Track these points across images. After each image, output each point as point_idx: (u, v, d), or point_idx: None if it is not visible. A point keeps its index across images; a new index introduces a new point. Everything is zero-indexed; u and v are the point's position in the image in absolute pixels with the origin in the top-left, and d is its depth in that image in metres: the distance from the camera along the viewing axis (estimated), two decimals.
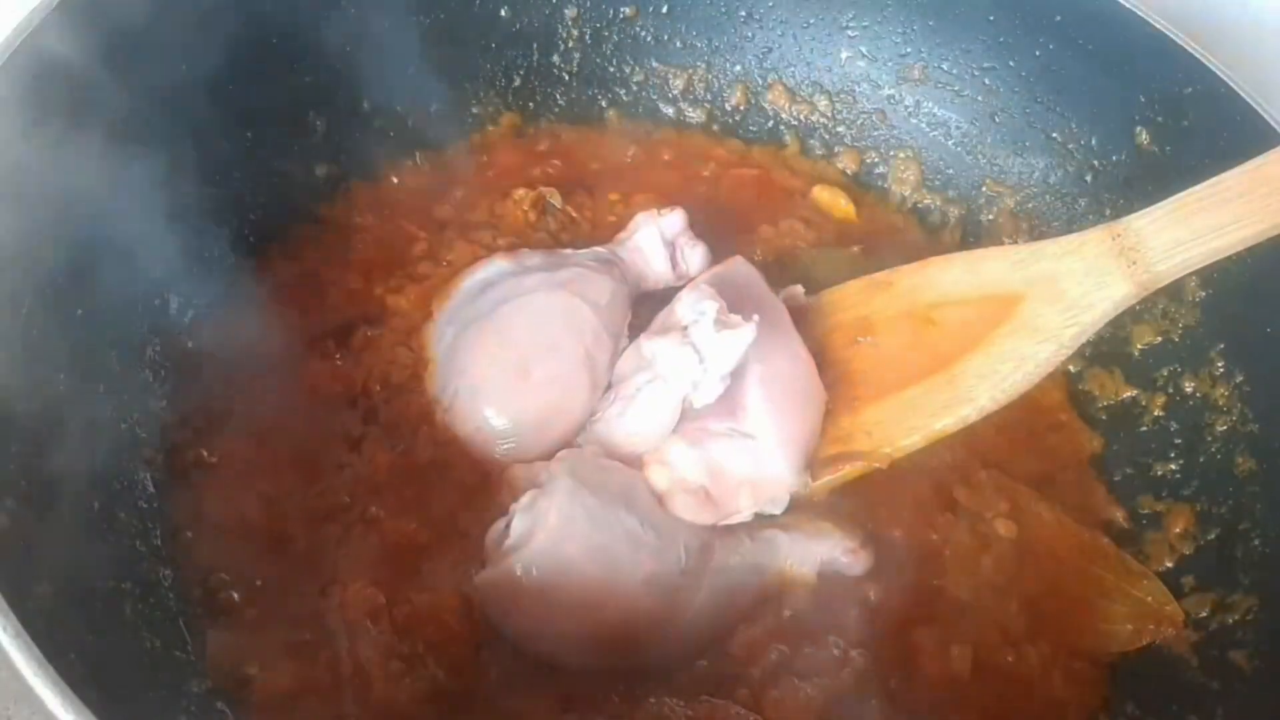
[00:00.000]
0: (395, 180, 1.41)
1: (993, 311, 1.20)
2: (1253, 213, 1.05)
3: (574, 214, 1.40)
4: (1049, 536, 1.22)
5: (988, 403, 1.18)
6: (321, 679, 1.01)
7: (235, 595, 1.05)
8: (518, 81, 1.49)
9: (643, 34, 1.52)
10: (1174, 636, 1.15)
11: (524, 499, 1.07)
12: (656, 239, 1.26)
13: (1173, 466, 1.26)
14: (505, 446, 1.14)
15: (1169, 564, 1.21)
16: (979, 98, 1.44)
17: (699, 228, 1.29)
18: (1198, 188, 1.08)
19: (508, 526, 1.06)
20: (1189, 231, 1.08)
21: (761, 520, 1.13)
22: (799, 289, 1.28)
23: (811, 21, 1.49)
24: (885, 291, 1.26)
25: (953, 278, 1.24)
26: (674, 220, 1.27)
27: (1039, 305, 1.17)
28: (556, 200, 1.39)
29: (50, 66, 1.03)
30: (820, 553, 1.12)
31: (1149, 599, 1.18)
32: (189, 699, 0.96)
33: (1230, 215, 1.06)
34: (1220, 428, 1.22)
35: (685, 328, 1.08)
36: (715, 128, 1.56)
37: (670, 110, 1.56)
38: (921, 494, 1.20)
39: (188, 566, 1.06)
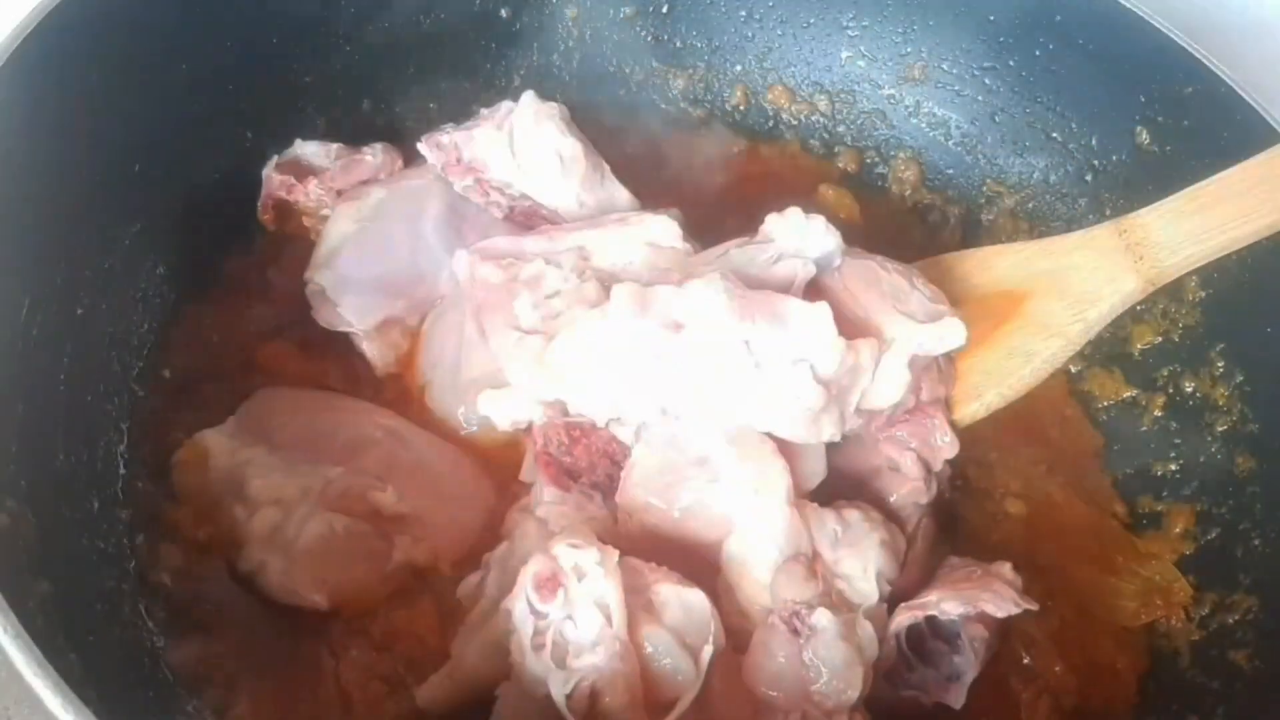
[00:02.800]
0: None
1: (1000, 308, 1.20)
2: (1259, 207, 1.05)
3: None
4: (1058, 516, 1.23)
5: (995, 399, 1.18)
6: (305, 697, 1.01)
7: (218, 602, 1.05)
8: (518, 81, 1.49)
9: (643, 34, 1.52)
10: (1179, 628, 1.16)
11: (498, 550, 1.06)
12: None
13: (1173, 466, 1.26)
14: (474, 428, 1.19)
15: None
16: (979, 98, 1.44)
17: (707, 223, 1.29)
18: (1204, 183, 1.08)
19: (482, 581, 1.05)
20: (1195, 226, 1.08)
21: None
22: None
23: (811, 21, 1.49)
24: None
25: (960, 275, 1.24)
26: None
27: (1046, 301, 1.17)
28: None
29: (51, 67, 1.03)
30: None
31: (1157, 577, 1.18)
32: (188, 700, 0.96)
33: (1237, 210, 1.06)
34: (1220, 428, 1.23)
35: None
36: (716, 127, 1.56)
37: (670, 110, 1.56)
38: None
39: (180, 570, 1.05)
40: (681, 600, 0.97)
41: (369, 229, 1.24)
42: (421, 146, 1.25)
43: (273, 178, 1.27)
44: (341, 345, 1.22)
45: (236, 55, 1.25)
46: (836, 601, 1.01)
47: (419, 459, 1.14)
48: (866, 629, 1.00)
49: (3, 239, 0.97)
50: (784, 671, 0.97)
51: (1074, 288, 1.16)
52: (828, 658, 0.96)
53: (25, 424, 0.94)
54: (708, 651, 0.95)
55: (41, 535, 0.90)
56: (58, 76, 1.04)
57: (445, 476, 1.14)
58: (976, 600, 1.02)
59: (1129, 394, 1.33)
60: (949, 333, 1.12)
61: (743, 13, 1.50)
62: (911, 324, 1.12)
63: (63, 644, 0.79)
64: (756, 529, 1.02)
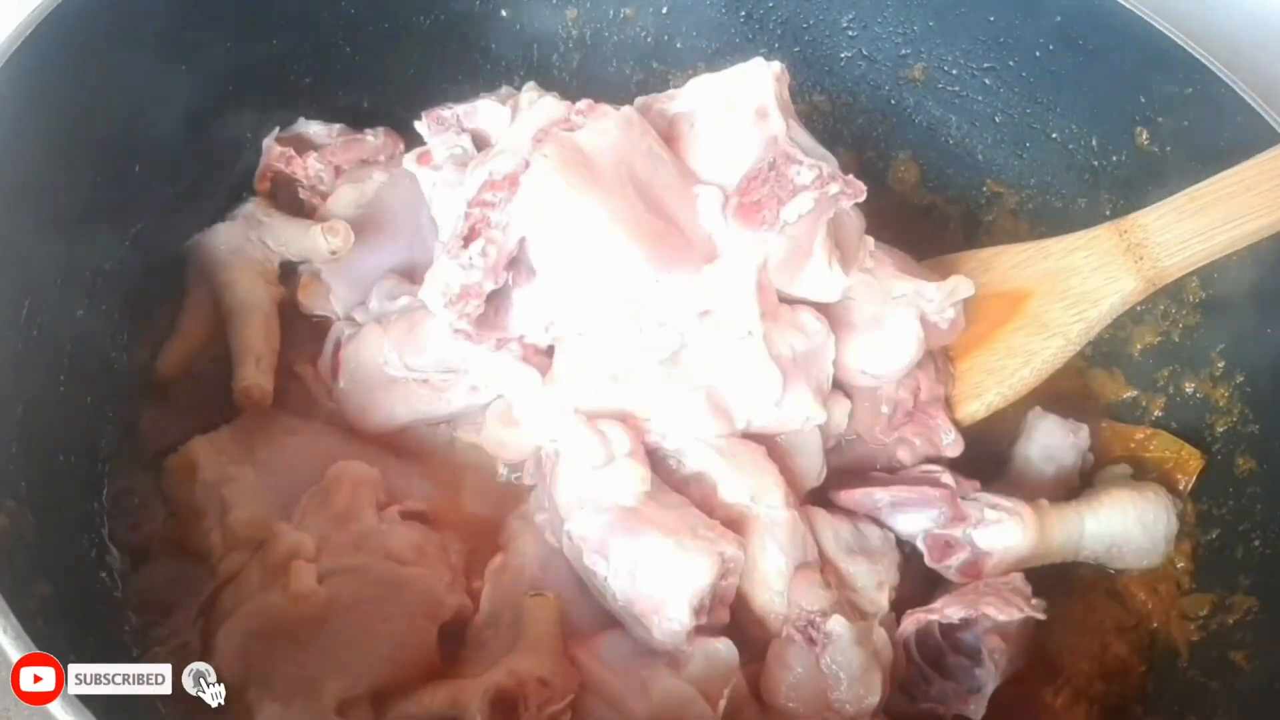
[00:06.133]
0: None
1: (1000, 308, 1.20)
2: (1258, 207, 1.06)
3: None
4: None
5: (995, 399, 1.19)
6: None
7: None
8: (517, 82, 1.49)
9: (643, 34, 1.52)
10: (1179, 628, 1.16)
11: (494, 562, 1.06)
12: None
13: None
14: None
15: None
16: (979, 98, 1.43)
17: None
18: (1204, 183, 1.09)
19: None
20: (1195, 227, 1.09)
21: None
22: None
23: (811, 22, 1.49)
24: None
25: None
26: None
27: (1046, 302, 1.18)
28: None
29: (51, 67, 1.03)
30: None
31: (1166, 453, 1.22)
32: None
33: (1236, 210, 1.07)
34: (1220, 428, 1.22)
35: None
36: None
37: None
38: None
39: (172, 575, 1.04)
40: (706, 651, 0.97)
41: (369, 216, 1.24)
42: (420, 124, 1.24)
43: (273, 148, 1.27)
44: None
45: (236, 56, 1.24)
46: (848, 611, 1.01)
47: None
48: (881, 634, 1.01)
49: (3, 240, 0.97)
50: (802, 681, 0.97)
51: (1074, 288, 1.16)
52: (845, 663, 0.97)
53: (25, 424, 0.95)
54: (722, 704, 0.95)
55: (41, 535, 0.90)
56: (58, 77, 1.04)
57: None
58: (979, 604, 1.02)
59: (1129, 394, 1.33)
60: (958, 286, 1.13)
61: (742, 13, 1.50)
62: (919, 281, 1.13)
63: (62, 644, 0.79)
64: (759, 538, 1.02)
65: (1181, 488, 1.21)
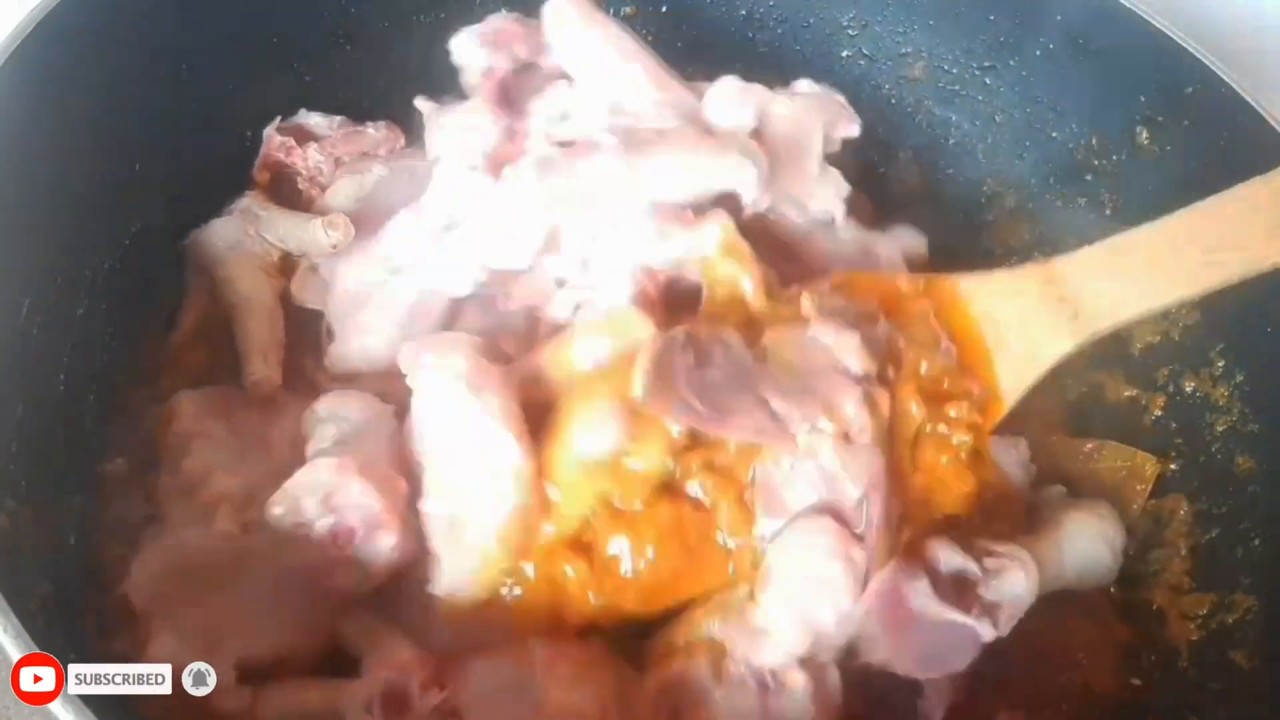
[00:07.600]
0: None
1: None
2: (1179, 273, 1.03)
3: None
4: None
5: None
6: None
7: None
8: None
9: (643, 33, 1.50)
10: (1179, 627, 1.16)
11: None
12: None
13: (1173, 466, 1.25)
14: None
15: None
16: (979, 98, 1.44)
17: None
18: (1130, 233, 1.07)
19: None
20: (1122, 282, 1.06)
21: None
22: None
23: (811, 21, 1.49)
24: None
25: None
26: None
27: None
28: None
29: (51, 67, 1.03)
30: None
31: (1119, 463, 1.22)
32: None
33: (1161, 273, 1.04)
34: (1220, 428, 1.22)
35: None
36: None
37: None
38: None
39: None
40: None
41: (367, 210, 1.24)
42: (420, 101, 1.24)
43: (273, 138, 1.27)
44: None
45: (236, 54, 1.25)
46: None
47: None
48: (834, 677, 0.97)
49: (3, 240, 0.97)
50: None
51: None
52: (793, 713, 0.93)
53: (25, 424, 0.95)
54: None
55: (41, 535, 0.90)
56: (58, 77, 1.04)
57: None
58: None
59: (1129, 394, 1.32)
60: None
61: (743, 12, 1.50)
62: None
63: (62, 644, 0.79)
64: None
65: (1139, 492, 1.21)
